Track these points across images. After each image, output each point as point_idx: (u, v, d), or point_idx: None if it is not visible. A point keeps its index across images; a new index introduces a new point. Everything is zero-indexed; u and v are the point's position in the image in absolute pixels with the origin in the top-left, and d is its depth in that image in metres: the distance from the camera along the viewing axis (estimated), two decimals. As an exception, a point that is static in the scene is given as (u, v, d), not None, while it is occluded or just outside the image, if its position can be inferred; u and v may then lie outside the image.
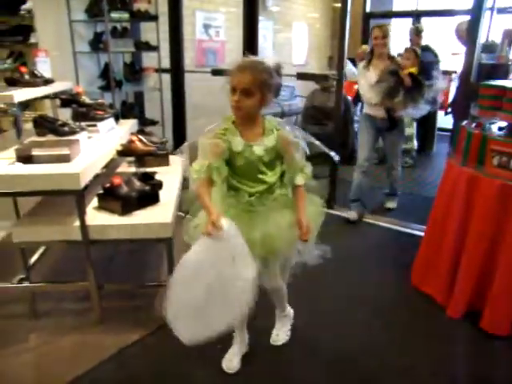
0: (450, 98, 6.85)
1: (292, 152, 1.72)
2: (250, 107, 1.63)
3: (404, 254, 3.07)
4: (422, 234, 2.92)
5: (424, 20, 6.89)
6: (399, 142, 3.84)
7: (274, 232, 1.72)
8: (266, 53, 6.39)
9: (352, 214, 3.77)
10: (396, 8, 8.53)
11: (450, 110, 4.39)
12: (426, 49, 5.61)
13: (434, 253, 2.63)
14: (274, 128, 1.73)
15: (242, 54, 4.10)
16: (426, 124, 5.68)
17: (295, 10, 7.56)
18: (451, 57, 7.62)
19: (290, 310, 2.28)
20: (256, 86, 1.60)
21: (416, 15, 7.14)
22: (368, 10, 7.73)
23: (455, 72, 6.72)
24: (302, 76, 4.28)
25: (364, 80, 3.62)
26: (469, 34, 3.24)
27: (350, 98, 5.44)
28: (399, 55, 3.71)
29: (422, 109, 3.55)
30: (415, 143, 5.49)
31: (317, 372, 2.04)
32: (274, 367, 2.07)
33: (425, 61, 3.55)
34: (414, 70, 3.42)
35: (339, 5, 3.71)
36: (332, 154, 2.09)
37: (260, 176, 1.73)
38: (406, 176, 5.15)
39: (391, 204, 4.10)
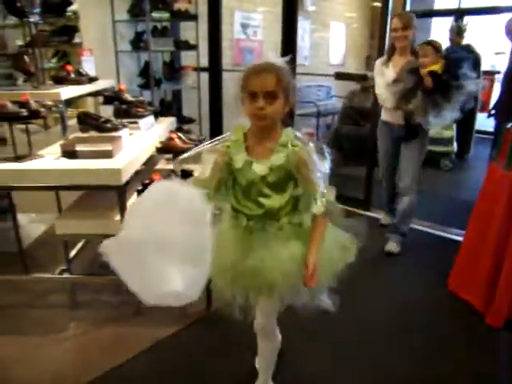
0: (492, 100, 6.65)
1: (308, 173, 1.42)
2: (275, 113, 1.41)
3: (442, 259, 2.99)
4: (461, 238, 2.84)
5: (467, 18, 6.69)
6: (417, 156, 3.05)
7: (269, 263, 1.44)
8: (303, 52, 6.38)
9: (385, 218, 3.63)
10: (438, 6, 8.32)
11: (493, 112, 4.24)
12: (467, 48, 5.45)
13: (473, 258, 2.56)
14: (290, 143, 1.45)
15: (280, 54, 4.14)
16: (464, 126, 5.51)
17: (333, 9, 7.49)
18: (494, 56, 7.38)
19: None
20: (281, 88, 1.39)
21: (459, 13, 6.94)
22: (408, 8, 7.59)
23: (499, 72, 6.50)
24: (340, 76, 4.24)
25: (381, 79, 3.06)
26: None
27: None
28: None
29: (447, 117, 2.86)
30: (455, 146, 5.34)
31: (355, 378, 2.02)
32: None
33: (452, 56, 2.88)
34: (437, 67, 2.75)
35: (378, 4, 3.66)
36: None
37: (260, 199, 1.48)
38: (445, 179, 5.05)
39: (393, 246, 3.20)
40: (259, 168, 1.44)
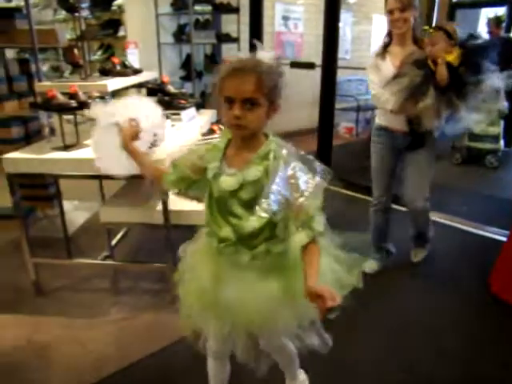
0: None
1: (292, 194, 1.15)
2: (256, 123, 1.17)
3: (484, 259, 2.90)
4: (503, 238, 2.74)
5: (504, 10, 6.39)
6: (427, 169, 2.55)
7: (242, 300, 1.25)
8: (344, 46, 6.29)
9: (370, 265, 2.71)
10: (486, -2, 7.98)
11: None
12: (509, 41, 5.22)
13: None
14: (272, 154, 1.20)
15: (321, 47, 4.10)
16: (509, 120, 5.27)
17: (375, 1, 7.33)
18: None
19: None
20: (263, 92, 1.14)
21: (509, 4, 6.64)
22: None
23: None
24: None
25: (377, 75, 2.40)
26: None
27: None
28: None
29: (465, 121, 2.26)
30: (502, 143, 5.13)
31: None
32: None
33: (471, 45, 2.24)
34: (451, 58, 2.18)
35: None
36: None
37: (231, 218, 1.24)
38: (488, 177, 4.88)
39: (419, 255, 2.93)
40: (227, 182, 1.22)
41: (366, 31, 7.14)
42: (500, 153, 5.14)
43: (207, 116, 3.09)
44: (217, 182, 1.23)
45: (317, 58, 4.29)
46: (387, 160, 2.57)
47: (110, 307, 2.42)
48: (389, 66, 2.35)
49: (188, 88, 4.13)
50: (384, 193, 2.64)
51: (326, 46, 4.13)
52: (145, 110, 1.60)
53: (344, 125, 6.46)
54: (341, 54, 5.40)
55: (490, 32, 5.26)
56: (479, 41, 2.27)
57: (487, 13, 6.65)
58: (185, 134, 2.54)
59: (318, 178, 1.18)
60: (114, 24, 4.63)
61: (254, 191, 1.19)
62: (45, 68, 5.01)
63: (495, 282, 2.62)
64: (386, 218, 2.72)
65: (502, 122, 5.07)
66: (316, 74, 4.24)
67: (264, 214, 1.15)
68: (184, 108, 2.72)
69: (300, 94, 5.27)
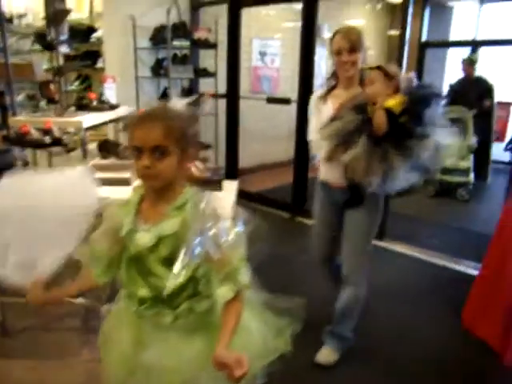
0: (509, 129, 6.64)
1: (213, 247, 1.08)
2: (167, 172, 1.11)
3: (455, 294, 2.94)
4: (474, 272, 2.80)
5: (483, 49, 6.74)
6: (364, 229, 2.14)
7: (167, 364, 1.17)
8: (319, 79, 6.44)
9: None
10: (453, 37, 8.39)
11: (510, 146, 4.21)
12: (480, 80, 5.50)
13: (489, 295, 2.52)
14: (189, 204, 1.14)
15: (297, 82, 4.20)
16: (481, 156, 5.49)
17: (350, 38, 7.59)
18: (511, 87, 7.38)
19: None
20: (173, 140, 1.09)
21: (475, 45, 7.00)
22: (424, 38, 7.67)
23: (515, 103, 6.52)
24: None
25: (316, 119, 2.12)
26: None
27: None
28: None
29: (400, 180, 1.89)
30: (472, 176, 5.30)
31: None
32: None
33: (418, 92, 1.93)
34: (393, 104, 1.84)
35: (394, 32, 3.69)
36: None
37: (150, 278, 1.16)
38: (459, 210, 5.00)
39: (325, 353, 2.27)
40: (143, 238, 1.14)
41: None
42: (471, 186, 5.31)
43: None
44: (132, 240, 1.15)
45: (293, 93, 4.39)
46: (327, 220, 2.25)
47: (80, 347, 2.35)
48: (329, 109, 2.04)
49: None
50: (323, 261, 2.35)
51: (301, 80, 4.24)
52: (70, 195, 1.32)
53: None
54: (316, 88, 5.55)
55: (464, 70, 5.53)
56: (427, 90, 1.95)
57: (461, 53, 7.01)
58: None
59: (240, 227, 1.12)
60: (93, 55, 4.65)
61: (172, 246, 1.11)
62: (20, 97, 4.97)
63: (468, 317, 2.66)
64: (334, 268, 2.34)
65: (471, 157, 5.25)
66: (292, 108, 4.33)
67: (183, 272, 1.08)
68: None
69: (276, 128, 5.38)
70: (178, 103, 1.21)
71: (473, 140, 5.16)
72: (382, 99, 1.85)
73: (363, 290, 2.18)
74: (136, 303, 1.19)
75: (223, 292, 1.11)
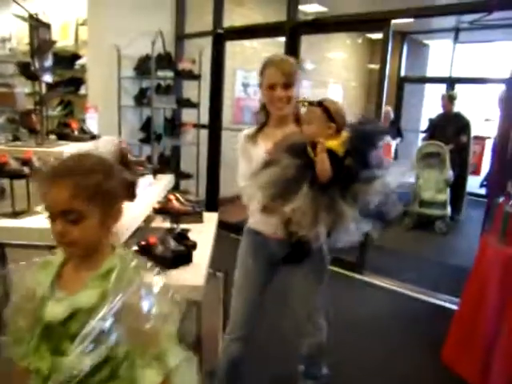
0: (484, 163, 6.85)
1: (136, 324, 0.93)
2: (86, 238, 0.96)
3: (432, 328, 2.96)
4: (453, 306, 2.82)
5: (457, 86, 7.01)
6: (315, 287, 1.90)
7: None
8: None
9: None
10: (430, 74, 8.72)
11: (485, 183, 4.35)
12: (458, 116, 5.69)
13: (468, 331, 2.53)
14: (114, 273, 0.96)
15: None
16: (456, 189, 5.62)
17: (330, 71, 7.81)
18: (484, 123, 7.68)
19: None
20: (85, 200, 0.94)
21: (450, 82, 7.27)
22: (403, 74, 7.94)
23: (489, 138, 6.75)
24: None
25: (246, 163, 1.81)
26: (506, 102, 3.22)
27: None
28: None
29: (352, 231, 1.54)
30: (449, 210, 5.41)
31: None
32: None
33: (360, 129, 1.66)
34: (335, 145, 1.57)
35: (374, 66, 3.78)
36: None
37: (57, 356, 0.96)
38: (437, 243, 5.08)
39: None
40: (53, 309, 0.96)
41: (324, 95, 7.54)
42: (448, 219, 5.41)
43: (164, 182, 3.08)
44: (40, 309, 0.96)
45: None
46: (259, 276, 1.88)
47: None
48: (260, 152, 1.73)
49: (147, 150, 4.16)
50: (245, 324, 1.92)
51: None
52: None
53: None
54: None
55: (443, 106, 5.71)
56: (369, 126, 1.69)
57: (438, 88, 7.27)
58: (142, 203, 2.52)
59: (174, 297, 0.97)
60: (76, 82, 4.66)
61: (84, 323, 0.91)
62: (0, 120, 4.90)
63: (447, 353, 2.66)
64: (241, 351, 1.93)
65: (448, 190, 5.37)
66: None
67: (88, 355, 0.89)
68: (141, 175, 2.71)
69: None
70: (104, 145, 1.06)
71: (449, 174, 5.29)
72: (323, 140, 1.54)
73: (324, 325, 1.97)
74: (40, 381, 0.98)
75: (149, 377, 0.94)
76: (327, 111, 1.59)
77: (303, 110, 1.69)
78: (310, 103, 1.64)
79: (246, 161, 1.79)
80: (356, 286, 3.65)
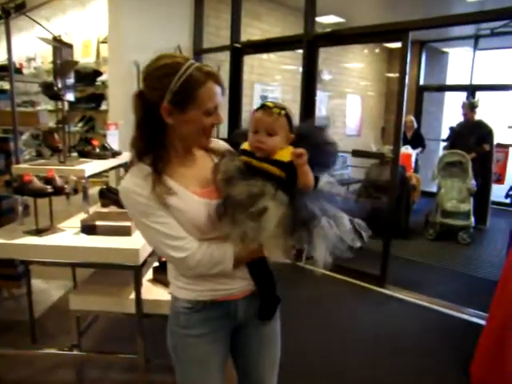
0: (508, 172, 6.69)
1: None
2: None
3: (460, 344, 2.87)
4: (480, 321, 2.73)
5: (478, 93, 6.91)
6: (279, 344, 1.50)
7: None
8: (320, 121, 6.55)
9: None
10: (450, 81, 8.61)
11: (511, 192, 4.25)
12: (480, 124, 5.59)
13: (497, 347, 2.44)
14: None
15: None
16: (480, 198, 5.50)
17: (349, 81, 7.78)
18: (507, 130, 7.52)
19: None
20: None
21: (471, 89, 7.16)
22: (422, 83, 7.87)
23: (512, 146, 6.62)
24: (357, 153, 4.29)
25: (167, 217, 1.22)
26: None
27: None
28: None
29: (318, 253, 1.21)
30: (473, 220, 5.29)
31: None
32: None
33: (303, 130, 1.36)
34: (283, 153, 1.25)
35: (392, 75, 3.72)
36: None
37: None
38: (461, 254, 4.97)
39: None
40: None
41: (341, 109, 7.51)
42: (472, 229, 5.29)
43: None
44: None
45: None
46: (219, 365, 1.38)
47: (73, 401, 2.27)
48: (189, 198, 1.24)
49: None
50: None
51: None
52: None
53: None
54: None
55: (464, 114, 5.63)
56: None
57: (459, 96, 7.17)
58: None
59: None
60: (97, 98, 4.75)
61: None
62: (25, 136, 5.03)
63: (475, 370, 2.57)
64: None
65: (471, 199, 5.26)
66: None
67: None
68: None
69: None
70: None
71: (472, 183, 5.19)
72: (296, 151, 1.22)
73: None
74: None
75: None
76: (289, 120, 1.30)
77: (268, 116, 1.25)
78: (276, 108, 1.27)
79: (167, 215, 1.21)
80: (379, 300, 3.58)
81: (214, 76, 1.22)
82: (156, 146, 1.23)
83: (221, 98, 1.24)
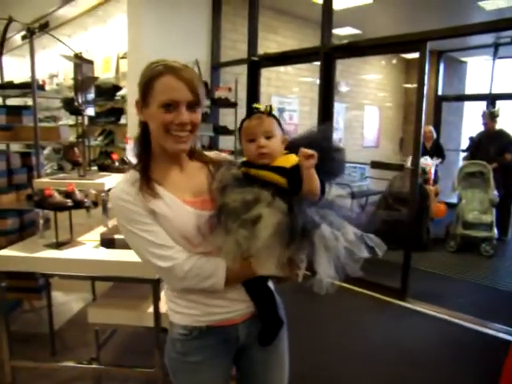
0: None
1: None
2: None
3: (485, 360, 2.78)
4: (506, 337, 2.64)
5: (499, 102, 6.79)
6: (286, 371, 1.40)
7: None
8: (338, 134, 6.54)
9: None
10: (469, 91, 8.50)
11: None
12: (501, 133, 5.49)
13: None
14: None
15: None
16: (502, 208, 5.39)
17: (366, 92, 7.76)
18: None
19: None
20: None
21: (491, 99, 7.06)
22: (440, 92, 7.78)
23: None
24: (376, 165, 4.24)
25: (155, 225, 1.18)
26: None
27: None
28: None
29: (322, 271, 1.10)
30: (495, 231, 5.17)
31: None
32: None
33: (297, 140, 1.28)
34: (287, 161, 1.19)
35: (410, 85, 3.68)
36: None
37: None
38: (484, 266, 4.85)
39: None
40: None
41: (359, 121, 7.48)
42: (495, 241, 5.16)
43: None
44: None
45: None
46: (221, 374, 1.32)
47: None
48: (176, 205, 1.19)
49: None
50: None
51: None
52: None
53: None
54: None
55: (485, 124, 5.54)
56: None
57: (478, 106, 7.07)
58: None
59: None
60: (117, 112, 4.83)
61: None
62: (47, 151, 5.15)
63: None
64: None
65: (494, 211, 5.15)
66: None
67: None
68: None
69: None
70: None
71: (494, 193, 5.09)
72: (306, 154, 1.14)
73: None
74: None
75: None
76: (277, 119, 1.25)
77: (261, 119, 1.20)
78: (265, 106, 1.24)
79: (154, 223, 1.17)
80: (400, 313, 3.51)
81: (177, 71, 1.15)
82: (143, 150, 1.22)
83: (184, 95, 1.14)
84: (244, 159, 1.24)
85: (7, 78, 3.28)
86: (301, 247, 1.11)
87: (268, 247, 1.09)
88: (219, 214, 1.14)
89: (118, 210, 1.18)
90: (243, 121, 1.24)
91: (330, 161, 1.22)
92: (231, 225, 1.11)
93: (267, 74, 5.55)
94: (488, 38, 6.67)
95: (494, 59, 7.26)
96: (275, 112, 1.28)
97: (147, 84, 1.16)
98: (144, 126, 1.21)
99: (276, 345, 1.32)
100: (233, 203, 1.12)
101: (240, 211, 1.10)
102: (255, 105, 1.24)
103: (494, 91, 7.17)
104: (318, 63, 4.17)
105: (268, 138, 1.19)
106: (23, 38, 5.15)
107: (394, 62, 8.17)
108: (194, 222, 1.16)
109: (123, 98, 4.64)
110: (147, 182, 1.17)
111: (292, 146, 1.23)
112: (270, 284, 1.32)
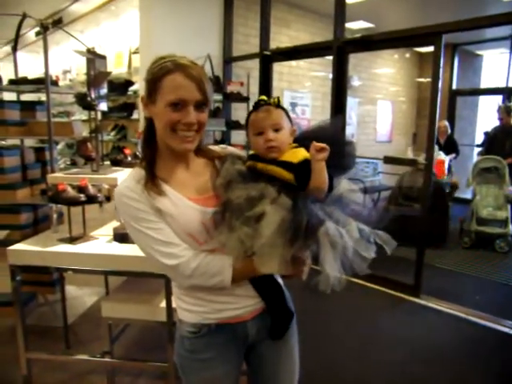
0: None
1: None
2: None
3: (501, 358, 2.75)
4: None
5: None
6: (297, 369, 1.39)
7: None
8: (350, 129, 6.48)
9: None
10: (484, 85, 8.37)
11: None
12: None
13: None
14: None
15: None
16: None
17: (379, 87, 7.68)
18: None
19: None
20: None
21: (507, 93, 6.93)
22: (454, 87, 7.67)
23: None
24: (389, 160, 4.20)
25: (161, 222, 1.15)
26: None
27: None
28: None
29: (328, 270, 1.09)
30: (510, 227, 5.08)
31: None
32: None
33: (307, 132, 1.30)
34: (296, 155, 1.16)
35: (424, 80, 3.62)
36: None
37: None
38: (499, 263, 4.78)
39: None
40: None
41: (371, 116, 7.41)
42: (510, 237, 5.08)
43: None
44: None
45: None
46: (227, 381, 1.29)
47: (105, 407, 2.29)
48: (181, 202, 1.17)
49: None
50: None
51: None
52: None
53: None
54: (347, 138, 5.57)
55: (500, 119, 5.45)
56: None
57: (494, 100, 6.94)
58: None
59: None
60: (129, 107, 4.85)
61: None
62: (60, 146, 5.21)
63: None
64: None
65: (509, 207, 5.07)
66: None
67: None
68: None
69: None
70: None
71: (509, 189, 5.01)
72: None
73: None
74: None
75: None
76: (285, 109, 1.23)
77: (269, 111, 1.18)
78: (272, 99, 1.22)
79: (160, 220, 1.15)
80: (413, 310, 3.48)
81: (186, 68, 1.12)
82: (149, 147, 1.20)
83: (193, 94, 1.11)
84: (252, 152, 1.22)
85: (21, 73, 3.31)
86: (305, 245, 1.10)
87: (271, 245, 1.07)
88: (224, 211, 1.12)
89: (121, 207, 1.16)
90: (250, 113, 1.22)
91: (340, 154, 1.19)
92: (235, 222, 1.09)
93: (279, 69, 5.52)
94: (505, 31, 6.53)
95: (510, 52, 7.11)
96: (285, 105, 1.26)
97: (154, 81, 1.13)
98: (149, 123, 1.19)
99: (286, 340, 1.32)
100: (237, 199, 1.10)
101: (244, 208, 1.09)
102: (262, 97, 1.22)
103: (511, 85, 7.04)
104: (331, 57, 4.13)
105: (276, 130, 1.17)
106: (37, 34, 5.21)
107: (408, 55, 8.07)
108: (200, 219, 1.15)
109: (135, 92, 4.66)
110: (152, 179, 1.15)
111: (302, 139, 1.21)
112: (278, 277, 1.30)
